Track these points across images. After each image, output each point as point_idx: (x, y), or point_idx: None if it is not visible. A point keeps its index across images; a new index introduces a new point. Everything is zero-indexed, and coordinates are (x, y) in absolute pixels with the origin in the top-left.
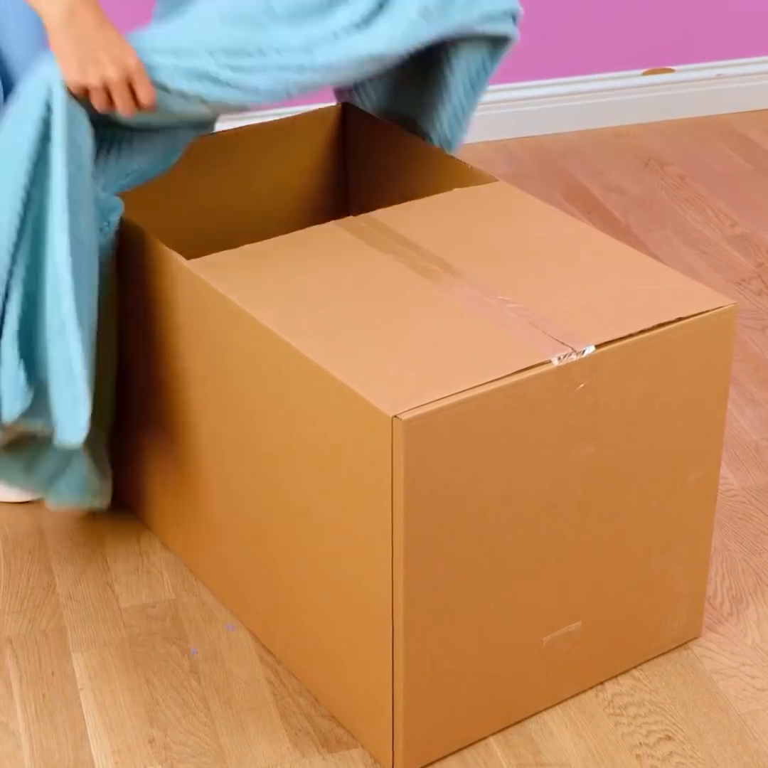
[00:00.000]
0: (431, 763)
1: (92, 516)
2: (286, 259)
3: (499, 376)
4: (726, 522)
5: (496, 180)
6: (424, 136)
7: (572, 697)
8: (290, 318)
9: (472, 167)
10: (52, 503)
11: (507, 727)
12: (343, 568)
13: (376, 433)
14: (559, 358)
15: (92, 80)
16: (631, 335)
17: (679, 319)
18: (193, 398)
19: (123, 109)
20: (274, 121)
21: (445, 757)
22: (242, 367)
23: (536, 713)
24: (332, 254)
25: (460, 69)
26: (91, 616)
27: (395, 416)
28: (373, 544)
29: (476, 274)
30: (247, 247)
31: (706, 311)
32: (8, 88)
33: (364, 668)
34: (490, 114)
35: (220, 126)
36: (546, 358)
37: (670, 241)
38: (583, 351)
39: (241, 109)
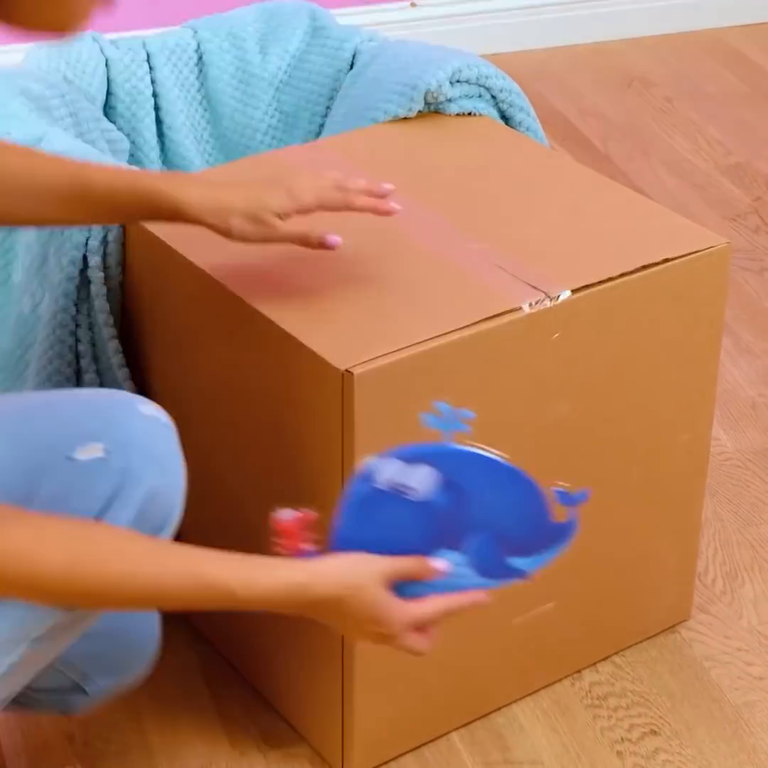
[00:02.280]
0: (386, 762)
1: None
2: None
3: (461, 326)
4: (718, 489)
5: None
6: None
7: (545, 686)
8: (234, 265)
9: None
10: None
11: (472, 722)
12: None
13: (327, 388)
14: (530, 305)
15: None
16: (611, 278)
17: (666, 260)
18: (141, 352)
19: None
20: None
21: (401, 754)
22: (187, 319)
23: (504, 705)
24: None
25: None
26: None
27: (346, 370)
28: (325, 505)
29: (437, 211)
30: None
31: (697, 251)
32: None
33: (310, 655)
34: (452, 29)
35: None
36: (515, 305)
37: (655, 172)
38: (558, 296)
39: None
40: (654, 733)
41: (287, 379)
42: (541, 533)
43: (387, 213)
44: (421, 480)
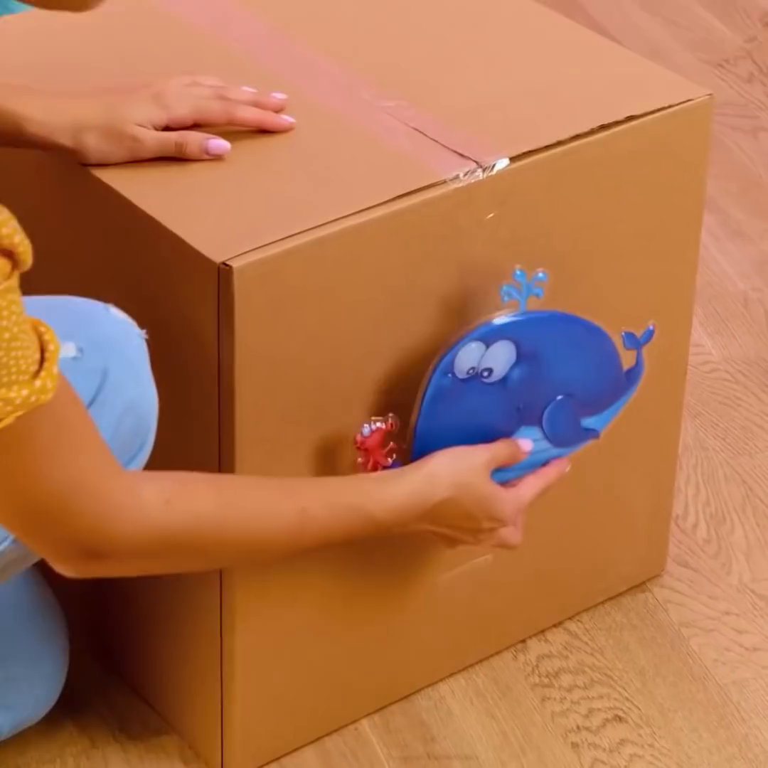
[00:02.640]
0: (278, 758)
1: None
2: (63, 46)
3: (368, 205)
4: (702, 409)
5: None
6: None
7: (481, 661)
8: None
9: None
10: None
11: (387, 705)
12: (166, 437)
13: (201, 285)
14: (457, 177)
15: None
16: (561, 142)
17: (631, 117)
18: None
19: None
20: None
21: (298, 748)
22: (31, 205)
23: (429, 685)
24: (132, 32)
25: None
26: None
27: (223, 263)
28: (197, 411)
29: (339, 60)
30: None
31: (671, 106)
32: None
33: (183, 632)
34: None
35: None
36: (438, 177)
37: (620, 5)
38: (493, 166)
39: None
40: (619, 719)
41: (156, 274)
42: (612, 384)
43: (278, 129)
44: (498, 358)
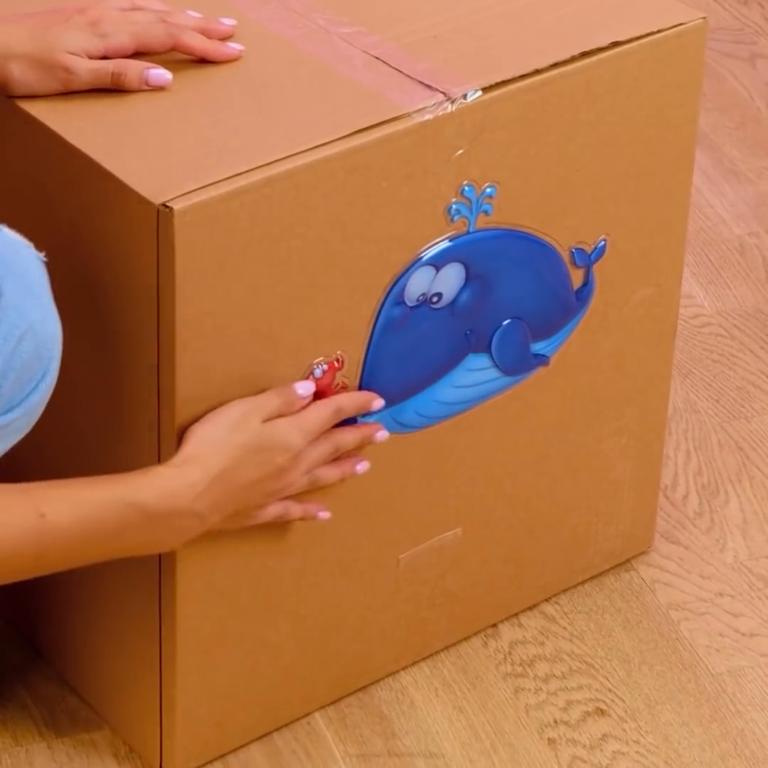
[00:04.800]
0: (222, 755)
1: None
2: None
3: (323, 141)
4: (693, 367)
5: None
6: None
7: (447, 648)
8: None
9: None
10: None
11: (343, 697)
12: (101, 389)
13: (139, 228)
14: (422, 110)
15: None
16: (539, 71)
17: (616, 44)
18: None
19: None
20: None
21: (244, 744)
22: None
23: (390, 674)
24: None
25: None
26: None
27: (164, 204)
28: (139, 361)
29: None
30: None
31: (659, 31)
32: None
33: (120, 621)
34: None
35: None
36: (401, 111)
37: None
38: (464, 97)
39: None
40: (600, 712)
41: (90, 217)
42: (562, 304)
43: (225, 59)
44: (448, 281)
